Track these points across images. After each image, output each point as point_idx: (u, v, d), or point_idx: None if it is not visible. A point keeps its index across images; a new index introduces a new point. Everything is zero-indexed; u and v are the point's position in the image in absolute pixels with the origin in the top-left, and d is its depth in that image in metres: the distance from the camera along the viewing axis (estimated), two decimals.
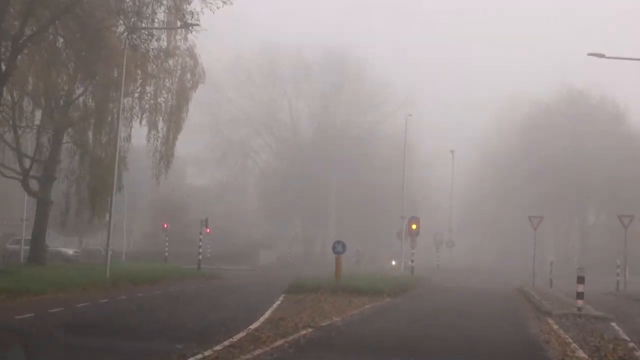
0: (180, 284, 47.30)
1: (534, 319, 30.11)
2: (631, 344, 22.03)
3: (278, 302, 32.34)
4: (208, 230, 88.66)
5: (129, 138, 55.06)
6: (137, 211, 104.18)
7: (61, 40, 49.42)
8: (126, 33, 46.85)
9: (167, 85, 56.08)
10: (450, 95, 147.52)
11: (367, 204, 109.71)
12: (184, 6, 47.08)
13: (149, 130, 55.96)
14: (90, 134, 54.87)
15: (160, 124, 56.19)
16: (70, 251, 79.25)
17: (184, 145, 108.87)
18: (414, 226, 60.24)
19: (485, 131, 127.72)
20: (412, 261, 61.38)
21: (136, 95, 56.88)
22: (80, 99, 56.61)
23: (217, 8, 43.96)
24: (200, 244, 63.80)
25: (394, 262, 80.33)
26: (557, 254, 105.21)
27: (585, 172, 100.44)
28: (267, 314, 26.98)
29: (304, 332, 22.22)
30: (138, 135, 58.68)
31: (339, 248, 40.41)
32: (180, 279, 49.89)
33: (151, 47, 49.40)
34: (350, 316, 27.94)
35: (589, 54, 45.90)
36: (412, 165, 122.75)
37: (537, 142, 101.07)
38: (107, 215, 49.04)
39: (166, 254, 76.95)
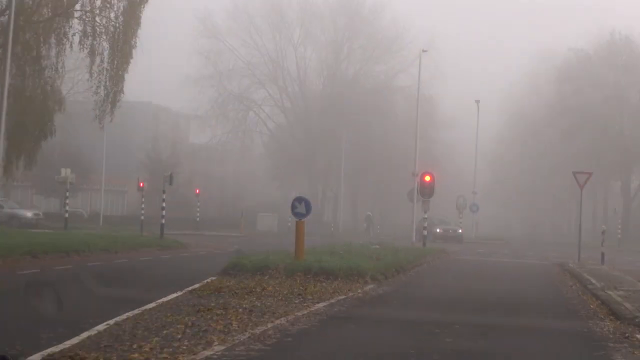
0: (112, 256, 35.72)
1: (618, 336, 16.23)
2: None
3: (174, 295, 19.15)
4: (198, 191, 76.21)
5: (58, 68, 41.52)
6: (132, 171, 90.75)
7: None
8: None
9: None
10: (477, 45, 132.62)
11: (383, 164, 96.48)
12: None
13: (90, 61, 42.12)
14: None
15: (105, 51, 42.30)
16: (29, 213, 67.26)
17: (184, 100, 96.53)
18: (427, 178, 46.47)
19: (515, 83, 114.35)
20: (425, 228, 47.44)
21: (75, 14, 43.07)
22: None
23: None
24: (164, 205, 50.18)
25: (438, 230, 71.61)
26: (595, 221, 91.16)
27: (629, 126, 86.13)
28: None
29: None
30: None
31: (300, 208, 26.71)
32: (130, 250, 39.82)
33: None
34: (274, 333, 14.49)
35: None
36: (433, 123, 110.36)
37: (575, 94, 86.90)
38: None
39: (142, 217, 63.56)
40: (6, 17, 37.23)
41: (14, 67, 39.99)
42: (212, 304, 17.68)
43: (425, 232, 48.17)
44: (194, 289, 20.77)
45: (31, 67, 42.32)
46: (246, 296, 19.55)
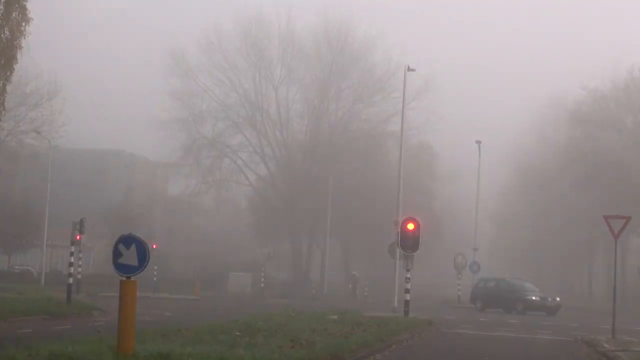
0: None
1: None
2: None
3: None
4: (155, 246, 64.18)
5: None
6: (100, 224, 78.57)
7: None
8: None
9: None
10: (477, 93, 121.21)
11: (374, 217, 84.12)
12: None
13: None
14: None
15: None
16: None
17: (155, 147, 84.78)
18: (410, 225, 34.51)
19: (521, 133, 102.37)
20: (407, 291, 35.26)
21: None
22: None
23: None
24: (72, 259, 38.31)
25: (534, 297, 55.16)
26: (609, 283, 77.98)
27: None
28: None
29: None
30: None
31: (126, 256, 14.80)
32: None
33: None
34: None
35: None
36: (432, 174, 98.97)
37: (589, 138, 75.20)
38: None
39: (79, 276, 51.77)
40: None
41: None
42: None
43: (407, 297, 35.86)
44: None
45: None
46: None
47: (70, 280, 38.83)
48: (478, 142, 66.26)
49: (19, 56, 30.36)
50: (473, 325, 36.61)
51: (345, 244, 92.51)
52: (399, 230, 35.88)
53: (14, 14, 29.90)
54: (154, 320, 31.05)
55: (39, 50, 37.18)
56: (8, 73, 30.54)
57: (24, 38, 30.19)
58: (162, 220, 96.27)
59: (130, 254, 14.90)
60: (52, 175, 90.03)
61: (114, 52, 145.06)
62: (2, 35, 29.92)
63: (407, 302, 35.96)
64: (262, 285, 66.86)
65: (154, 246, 64.35)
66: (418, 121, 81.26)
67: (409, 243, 35.35)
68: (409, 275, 35.92)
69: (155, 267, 63.42)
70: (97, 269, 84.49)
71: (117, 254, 15.03)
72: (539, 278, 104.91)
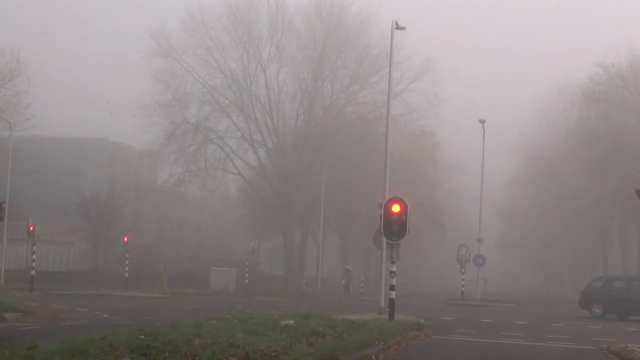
0: None
1: None
2: None
3: None
4: (126, 239, 57.60)
5: None
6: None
7: None
8: None
9: None
10: (480, 76, 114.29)
11: (373, 209, 76.85)
12: None
13: None
14: None
15: None
16: None
17: (140, 133, 77.91)
18: (395, 207, 27.60)
19: (527, 121, 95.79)
20: (392, 288, 28.31)
21: None
22: None
23: None
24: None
25: None
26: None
27: None
28: None
29: None
30: None
31: None
32: None
33: None
34: None
35: None
36: (435, 164, 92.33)
37: (603, 119, 67.98)
38: None
39: (32, 272, 45.25)
40: None
41: None
42: None
43: (392, 295, 28.98)
44: None
45: None
46: None
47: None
48: (482, 122, 59.14)
49: None
50: (473, 329, 29.77)
51: (342, 236, 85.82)
52: (382, 213, 28.92)
53: None
54: (66, 327, 24.22)
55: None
56: None
57: None
58: (148, 212, 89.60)
59: None
60: (28, 165, 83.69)
61: (89, 38, 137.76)
62: None
63: (392, 302, 29.03)
64: (247, 281, 60.00)
65: (125, 239, 57.74)
66: (418, 104, 74.26)
67: (393, 229, 28.57)
68: (394, 269, 29.10)
69: (127, 262, 56.58)
70: (76, 264, 77.88)
71: None
72: (549, 271, 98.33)
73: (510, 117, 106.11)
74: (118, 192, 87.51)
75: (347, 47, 73.64)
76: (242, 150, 75.38)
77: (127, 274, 55.74)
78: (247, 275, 60.41)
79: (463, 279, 58.43)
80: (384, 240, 31.15)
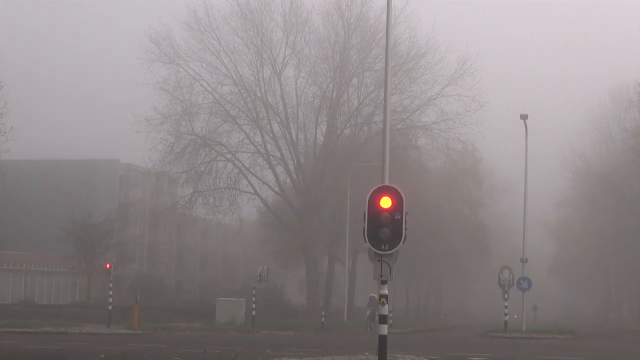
0: None
1: None
2: None
3: None
4: (108, 266, 48.58)
5: None
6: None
7: None
8: None
9: None
10: (525, 84, 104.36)
11: (410, 229, 67.19)
12: None
13: None
14: None
15: None
16: None
17: (144, 150, 69.34)
18: (385, 201, 17.83)
19: (579, 126, 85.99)
20: (384, 319, 18.41)
21: None
22: None
23: None
24: None
25: None
26: None
27: None
28: None
29: None
30: None
31: None
32: None
33: None
34: None
35: None
36: (478, 181, 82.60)
37: None
38: None
39: None
40: None
41: None
42: None
43: (384, 331, 19.17)
44: None
45: None
46: None
47: None
48: (523, 117, 48.96)
49: None
50: None
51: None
52: (366, 210, 19.31)
53: None
54: None
55: None
56: None
57: None
58: (157, 238, 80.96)
59: None
60: (28, 190, 75.59)
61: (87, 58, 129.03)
62: None
63: (382, 341, 19.32)
64: (253, 313, 50.57)
65: (107, 266, 48.53)
66: (455, 110, 64.44)
67: (383, 233, 19.26)
68: (385, 292, 19.42)
69: (110, 294, 47.30)
70: (69, 296, 69.29)
71: None
72: (608, 297, 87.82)
73: (557, 129, 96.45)
74: (130, 216, 79.20)
75: (371, 47, 64.12)
76: (257, 167, 65.96)
77: (110, 307, 46.36)
78: (253, 306, 50.97)
79: (506, 307, 48.41)
80: (371, 251, 21.43)
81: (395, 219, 19.26)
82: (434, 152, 70.98)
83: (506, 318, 48.53)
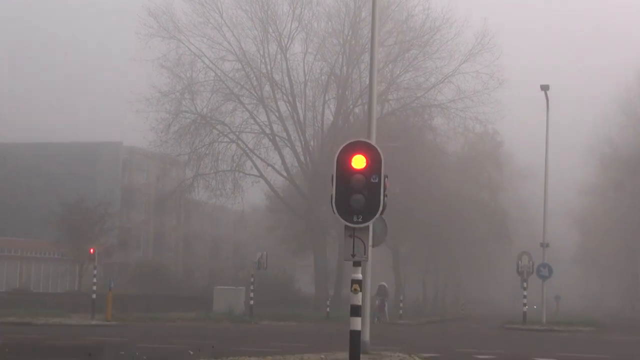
0: None
1: None
2: None
3: None
4: (92, 250, 44.59)
5: None
6: None
7: None
8: None
9: None
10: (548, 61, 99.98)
11: (425, 212, 64.09)
12: None
13: None
14: None
15: None
16: None
17: (144, 130, 65.30)
18: (357, 160, 13.38)
19: (604, 111, 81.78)
20: (357, 311, 13.95)
21: None
22: None
23: None
24: None
25: None
26: None
27: None
28: None
29: None
30: None
31: None
32: None
33: None
34: None
35: None
36: (498, 165, 78.23)
37: None
38: None
39: None
40: None
41: None
42: None
43: (357, 324, 14.67)
44: None
45: None
46: None
47: None
48: (544, 88, 44.13)
49: None
50: None
51: (393, 249, 71.84)
52: (334, 173, 15.00)
53: None
54: None
55: None
56: None
57: None
58: (162, 225, 77.08)
59: None
60: (32, 174, 72.12)
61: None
62: None
63: (354, 337, 14.98)
64: (251, 303, 46.50)
65: (91, 251, 44.42)
66: (472, 88, 59.85)
67: (355, 201, 14.89)
68: (359, 276, 15.10)
69: (95, 281, 43.18)
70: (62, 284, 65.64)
71: None
72: (635, 287, 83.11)
73: (582, 113, 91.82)
74: (134, 201, 75.42)
75: (384, 21, 59.61)
76: (262, 149, 61.70)
77: (94, 295, 42.26)
78: (251, 295, 46.90)
79: (525, 296, 43.97)
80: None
81: (370, 182, 15.01)
82: (451, 134, 66.63)
83: (525, 309, 44.14)
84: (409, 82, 61.98)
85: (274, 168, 62.73)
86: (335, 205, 15.13)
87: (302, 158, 62.53)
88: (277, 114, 61.18)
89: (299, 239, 67.85)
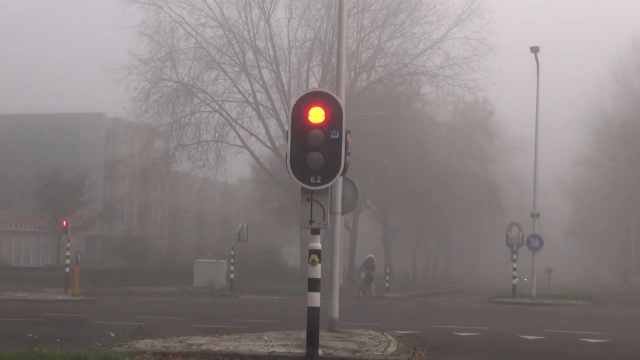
0: None
1: None
2: None
3: None
4: (65, 223, 42.62)
5: None
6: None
7: None
8: None
9: None
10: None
11: (415, 189, 62.55)
12: None
13: None
14: None
15: None
16: None
17: (124, 100, 63.03)
18: (315, 113, 11.42)
19: (598, 81, 79.88)
20: (315, 286, 11.95)
21: None
22: None
23: None
24: None
25: None
26: None
27: None
28: None
29: None
30: None
31: None
32: None
33: None
34: None
35: None
36: (489, 137, 76.48)
37: None
38: None
39: None
40: None
41: None
42: None
43: (315, 300, 12.67)
44: None
45: None
46: None
47: None
48: (534, 50, 41.96)
49: None
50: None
51: (382, 222, 70.12)
52: (289, 128, 12.95)
53: None
54: None
55: None
56: None
57: None
58: (152, 198, 75.29)
59: None
60: (11, 146, 70.10)
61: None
62: None
63: (313, 314, 13.02)
64: (232, 277, 44.66)
65: (64, 223, 42.44)
66: (462, 55, 57.80)
67: (312, 160, 12.72)
68: (317, 245, 13.12)
69: (68, 254, 41.22)
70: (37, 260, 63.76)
71: None
72: (628, 259, 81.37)
73: (573, 81, 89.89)
74: (117, 174, 73.44)
75: None
76: (246, 118, 59.61)
77: (67, 269, 40.29)
78: (232, 269, 45.06)
79: (515, 269, 42.14)
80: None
81: (330, 139, 13.06)
82: (440, 102, 64.80)
83: (515, 281, 42.35)
84: (396, 49, 59.93)
85: (257, 138, 60.73)
86: (290, 165, 13.18)
87: (286, 127, 60.19)
88: (260, 82, 59.08)
89: (286, 211, 65.90)
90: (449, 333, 20.06)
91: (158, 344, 14.62)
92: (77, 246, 57.37)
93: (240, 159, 63.29)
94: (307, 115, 13.11)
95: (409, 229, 75.06)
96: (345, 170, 13.12)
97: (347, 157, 13.13)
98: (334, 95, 13.49)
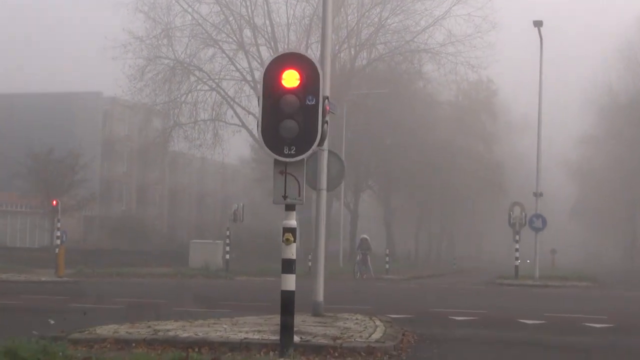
0: None
1: None
2: None
3: None
4: (55, 202, 41.44)
5: None
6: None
7: None
8: None
9: None
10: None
11: (416, 164, 61.39)
12: None
13: None
14: None
15: None
16: None
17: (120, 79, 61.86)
18: (290, 76, 10.12)
19: (604, 60, 78.45)
20: (290, 267, 10.64)
21: None
22: None
23: None
24: None
25: None
26: None
27: None
28: None
29: None
30: None
31: None
32: None
33: None
34: None
35: None
36: (493, 116, 75.23)
37: None
38: None
39: None
40: None
41: None
42: None
43: (292, 284, 11.23)
44: None
45: None
46: None
47: None
48: (538, 24, 40.56)
49: None
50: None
51: (383, 202, 68.88)
52: (260, 94, 11.62)
53: None
54: None
55: None
56: None
57: None
58: (151, 178, 74.14)
59: None
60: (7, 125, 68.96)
61: None
62: None
63: (287, 298, 11.70)
64: (227, 257, 43.49)
65: (54, 203, 41.30)
66: (464, 32, 56.49)
67: (286, 129, 11.31)
68: (292, 223, 11.78)
69: (59, 234, 40.09)
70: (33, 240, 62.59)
71: None
72: (634, 240, 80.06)
73: (580, 59, 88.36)
74: (115, 154, 72.33)
75: None
76: (243, 96, 58.49)
77: (57, 250, 39.12)
78: (227, 249, 43.89)
79: (517, 249, 40.81)
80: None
81: (305, 105, 11.75)
82: (442, 80, 63.39)
83: (517, 263, 41.01)
84: (397, 26, 58.65)
85: (255, 117, 59.38)
86: (262, 134, 11.90)
87: None
88: (258, 60, 57.86)
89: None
90: (445, 317, 18.85)
91: (122, 330, 13.44)
92: (72, 226, 56.46)
93: (239, 138, 62.26)
94: (280, 79, 11.82)
95: (411, 209, 73.89)
96: (322, 140, 11.84)
97: (325, 125, 11.87)
98: (310, 57, 12.17)
